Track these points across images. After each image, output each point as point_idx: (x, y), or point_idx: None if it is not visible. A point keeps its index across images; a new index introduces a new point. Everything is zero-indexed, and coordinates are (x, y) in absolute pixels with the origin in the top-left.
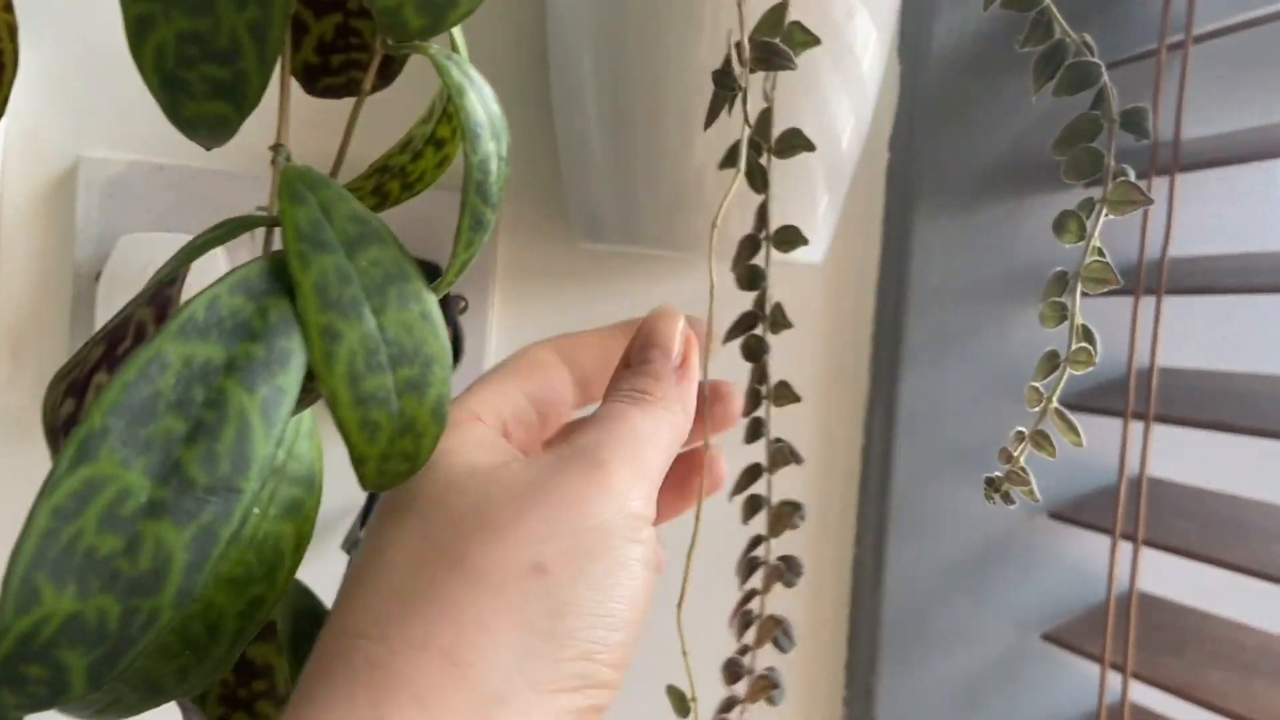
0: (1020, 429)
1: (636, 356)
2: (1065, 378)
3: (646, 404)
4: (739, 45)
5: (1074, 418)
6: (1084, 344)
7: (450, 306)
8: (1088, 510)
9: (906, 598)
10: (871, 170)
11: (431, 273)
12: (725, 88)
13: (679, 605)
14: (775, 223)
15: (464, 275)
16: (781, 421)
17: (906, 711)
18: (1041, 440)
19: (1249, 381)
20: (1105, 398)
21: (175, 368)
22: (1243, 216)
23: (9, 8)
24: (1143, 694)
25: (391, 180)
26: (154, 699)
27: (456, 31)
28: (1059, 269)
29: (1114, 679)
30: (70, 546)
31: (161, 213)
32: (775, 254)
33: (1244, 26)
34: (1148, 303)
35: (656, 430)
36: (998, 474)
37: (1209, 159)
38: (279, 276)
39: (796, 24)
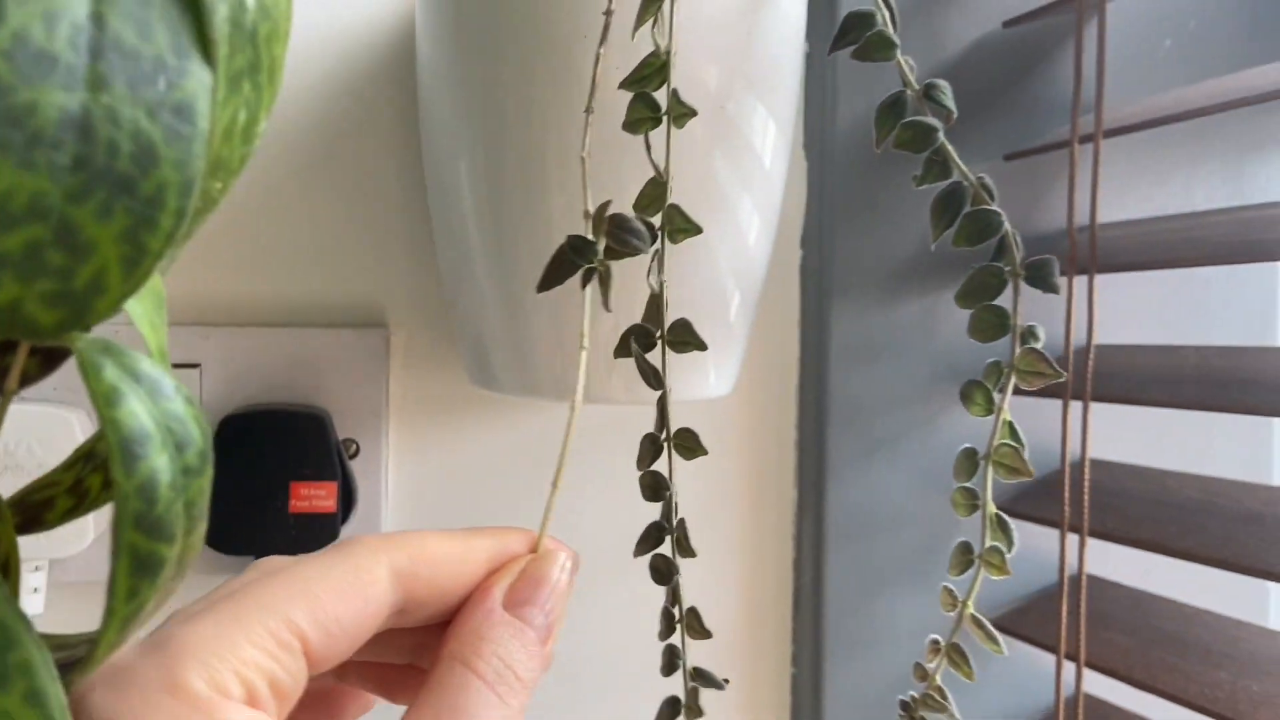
0: (935, 637)
1: (512, 607)
2: (979, 583)
3: (507, 690)
4: (593, 218)
5: (991, 628)
6: (996, 544)
7: (338, 453)
8: (1034, 501)
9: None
10: (785, 268)
11: (316, 422)
12: (577, 257)
13: None
14: (674, 385)
15: (351, 416)
16: (709, 537)
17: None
18: (956, 657)
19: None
20: (1038, 502)
21: None
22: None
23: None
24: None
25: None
26: None
27: (146, 294)
28: (967, 449)
29: (1070, 673)
30: None
31: None
32: (688, 394)
33: (1156, 124)
34: (1079, 283)
35: None
36: (914, 695)
37: (1127, 260)
38: None
39: (675, 208)
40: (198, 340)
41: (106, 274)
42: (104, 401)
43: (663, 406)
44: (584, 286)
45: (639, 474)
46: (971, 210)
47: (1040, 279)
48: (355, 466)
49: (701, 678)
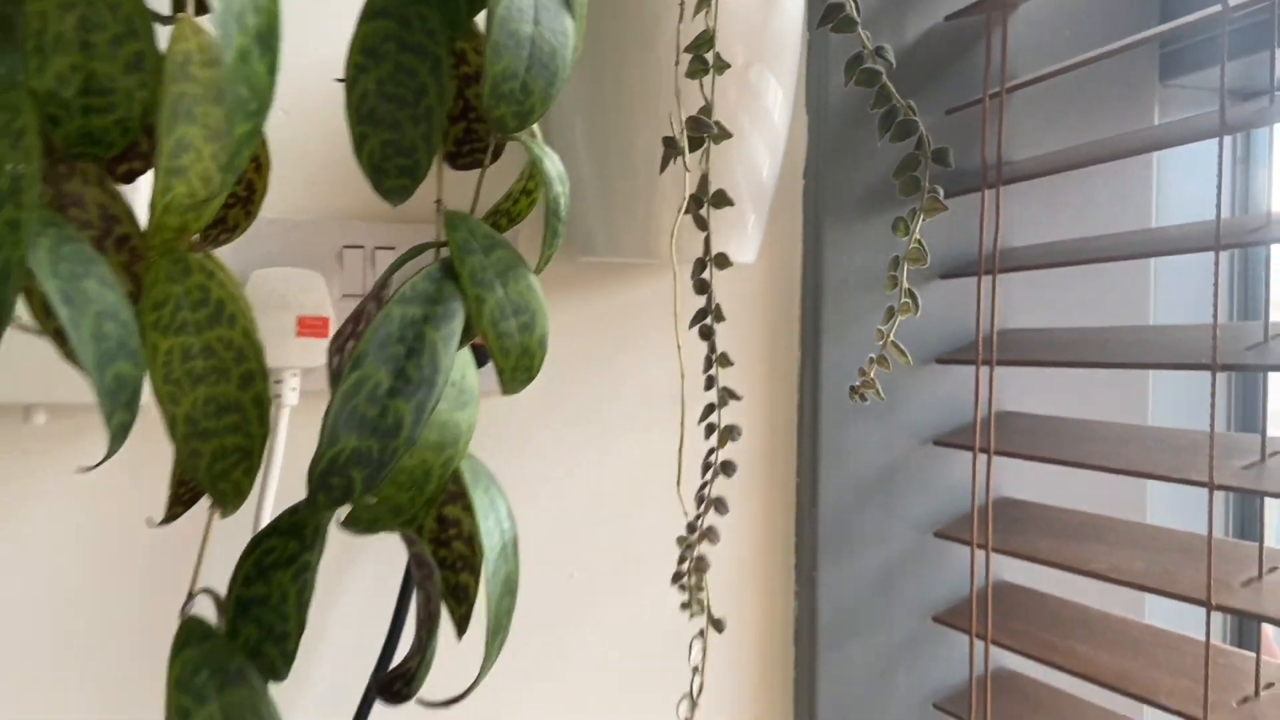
0: (870, 355)
1: None
2: (897, 323)
3: None
4: (680, 123)
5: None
6: (907, 300)
7: None
8: (960, 436)
9: (835, 509)
10: (792, 194)
11: None
12: (669, 148)
13: (677, 485)
14: (715, 247)
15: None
16: (737, 380)
17: (840, 597)
18: (883, 360)
19: (1070, 333)
20: (962, 352)
21: (397, 319)
22: (1065, 217)
23: (264, 144)
24: (1002, 564)
25: (502, 218)
26: (398, 518)
27: (535, 126)
28: (895, 255)
29: (981, 559)
30: (355, 411)
31: (275, 252)
32: (717, 268)
33: (1045, 78)
34: (987, 280)
35: None
36: (856, 383)
37: (1025, 174)
38: (447, 270)
39: (718, 122)
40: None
41: (537, 106)
42: (537, 160)
43: (703, 264)
44: (661, 170)
45: (693, 328)
46: (901, 119)
47: (940, 159)
48: None
49: (725, 390)
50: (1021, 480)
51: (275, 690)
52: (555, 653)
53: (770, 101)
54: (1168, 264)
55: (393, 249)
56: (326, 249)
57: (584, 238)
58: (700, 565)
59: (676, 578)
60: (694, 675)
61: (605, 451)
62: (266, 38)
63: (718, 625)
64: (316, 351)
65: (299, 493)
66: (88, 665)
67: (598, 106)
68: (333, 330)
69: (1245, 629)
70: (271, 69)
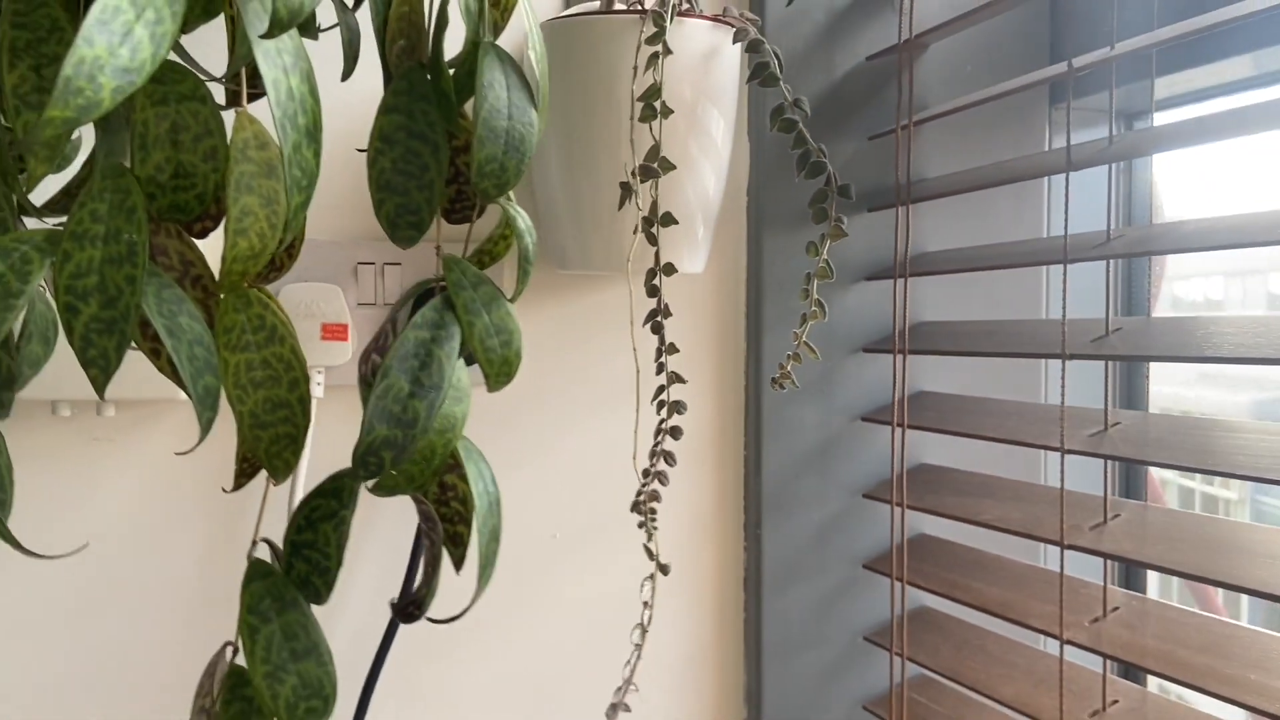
0: (788, 352)
1: None
2: (808, 327)
3: None
4: (632, 171)
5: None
6: (815, 308)
7: None
8: (882, 413)
9: (777, 476)
10: (737, 209)
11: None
12: (624, 190)
13: (633, 457)
14: (668, 257)
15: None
16: (691, 370)
17: (782, 550)
18: (797, 356)
19: (971, 325)
20: (881, 343)
21: (412, 341)
22: (969, 225)
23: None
24: (919, 520)
25: (485, 257)
26: (412, 484)
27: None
28: (807, 271)
29: (900, 516)
30: (385, 409)
31: (301, 269)
32: (678, 270)
33: (947, 113)
34: (902, 282)
35: None
36: (776, 375)
37: (932, 193)
38: (447, 303)
39: (664, 157)
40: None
41: (511, 179)
42: (512, 219)
43: (654, 273)
44: (619, 208)
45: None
46: (814, 161)
47: (845, 193)
48: None
49: (673, 373)
50: (937, 449)
51: (317, 613)
52: (540, 599)
53: (715, 131)
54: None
55: (399, 264)
56: (343, 265)
57: (559, 253)
58: (653, 497)
59: (634, 506)
60: (644, 609)
61: (579, 431)
62: (313, 132)
63: (663, 569)
64: (338, 353)
65: (326, 467)
66: (164, 603)
67: (568, 144)
68: (351, 334)
69: (1133, 572)
70: (317, 154)
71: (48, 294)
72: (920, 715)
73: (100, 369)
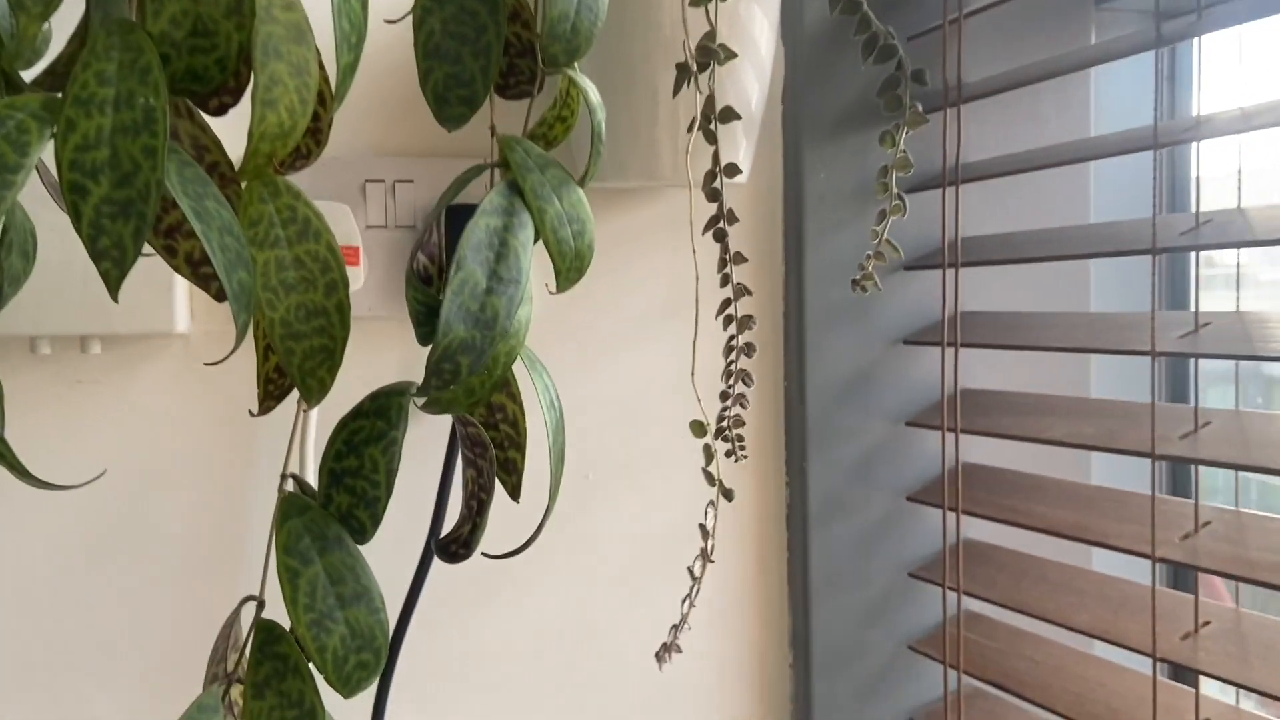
0: (868, 252)
1: None
2: (889, 223)
3: None
4: (690, 49)
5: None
6: (897, 203)
7: None
8: (927, 334)
9: (820, 406)
10: (772, 117)
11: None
12: (682, 72)
13: (692, 374)
14: (723, 160)
15: None
16: (739, 275)
17: (826, 484)
18: (880, 255)
19: (1024, 236)
20: (928, 258)
21: (483, 228)
22: (1019, 133)
23: (326, 79)
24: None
25: (540, 142)
26: (470, 399)
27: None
28: (883, 164)
29: (951, 442)
30: (462, 306)
31: (304, 188)
32: (727, 178)
33: (997, 4)
34: (951, 191)
35: None
36: (857, 276)
37: (980, 92)
38: (513, 187)
39: (722, 44)
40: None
41: (584, 43)
42: (584, 91)
43: (714, 175)
44: (674, 95)
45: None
46: (883, 44)
47: (919, 79)
48: None
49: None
50: (983, 374)
51: None
52: (576, 540)
53: (757, 32)
54: (1104, 172)
55: (411, 182)
56: (351, 183)
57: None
58: (738, 421)
59: (719, 433)
60: (707, 538)
61: (614, 363)
62: None
63: (727, 494)
64: (349, 277)
65: (336, 410)
66: (166, 560)
67: (600, 41)
68: (362, 259)
69: (1182, 485)
70: (364, 4)
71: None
72: (978, 653)
73: (114, 261)
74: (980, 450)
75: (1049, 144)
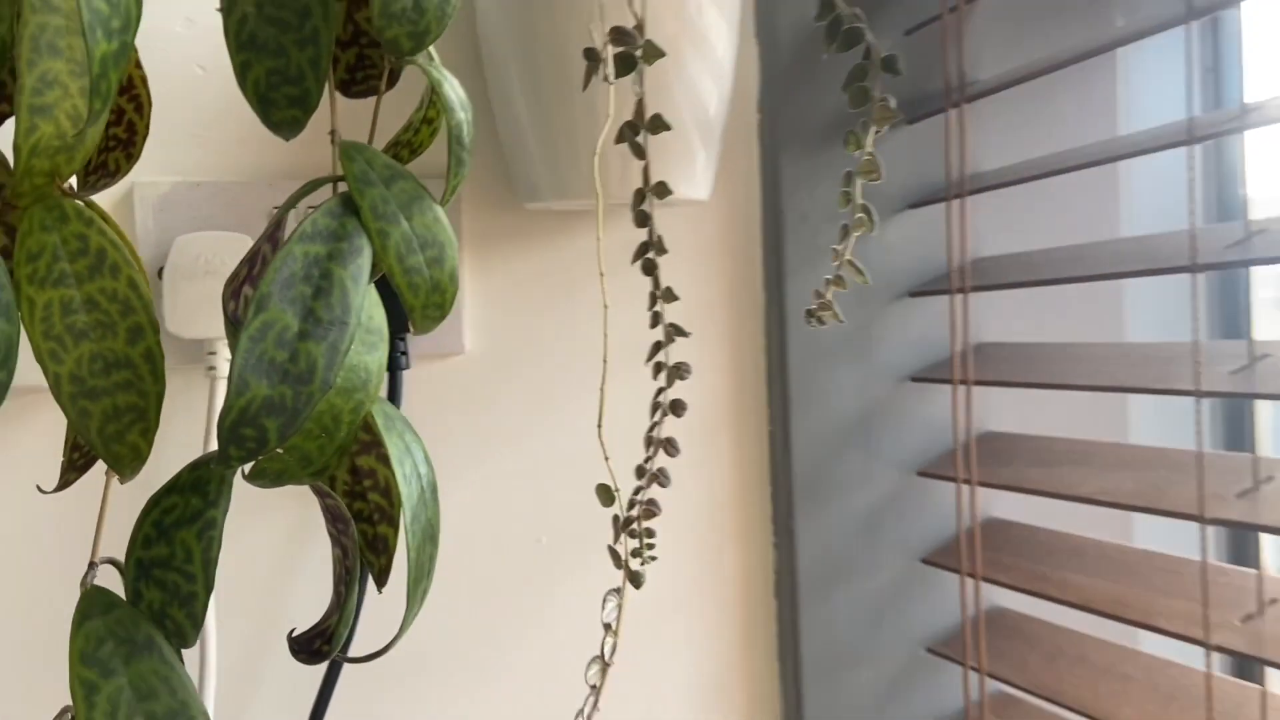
0: (826, 276)
1: None
2: (853, 240)
3: None
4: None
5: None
6: (861, 215)
7: None
8: (937, 370)
9: (810, 454)
10: (747, 128)
11: None
12: (590, 60)
13: (599, 425)
14: (654, 178)
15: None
16: (697, 324)
17: (820, 545)
18: (840, 280)
19: (1044, 254)
20: (935, 283)
21: (299, 258)
22: (1035, 138)
23: (144, 81)
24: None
25: (403, 149)
26: (307, 468)
27: (431, 49)
28: (847, 169)
29: (967, 494)
30: (264, 356)
31: (204, 216)
32: (674, 195)
33: None
34: (957, 205)
35: None
36: (813, 306)
37: (989, 89)
38: (347, 204)
39: (649, 42)
40: None
41: (433, 26)
42: (436, 84)
43: (642, 195)
44: (584, 87)
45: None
46: (847, 28)
47: (890, 66)
48: None
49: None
50: (1003, 413)
51: (248, 646)
52: (526, 618)
53: (708, 27)
54: (1136, 179)
55: None
56: (253, 210)
57: (527, 184)
58: (649, 511)
59: (626, 523)
60: (606, 634)
61: (564, 408)
62: None
63: (635, 580)
64: None
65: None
66: None
67: (530, 44)
68: None
69: (1241, 548)
70: None
71: None
72: None
73: None
74: (1004, 501)
75: (1068, 148)
